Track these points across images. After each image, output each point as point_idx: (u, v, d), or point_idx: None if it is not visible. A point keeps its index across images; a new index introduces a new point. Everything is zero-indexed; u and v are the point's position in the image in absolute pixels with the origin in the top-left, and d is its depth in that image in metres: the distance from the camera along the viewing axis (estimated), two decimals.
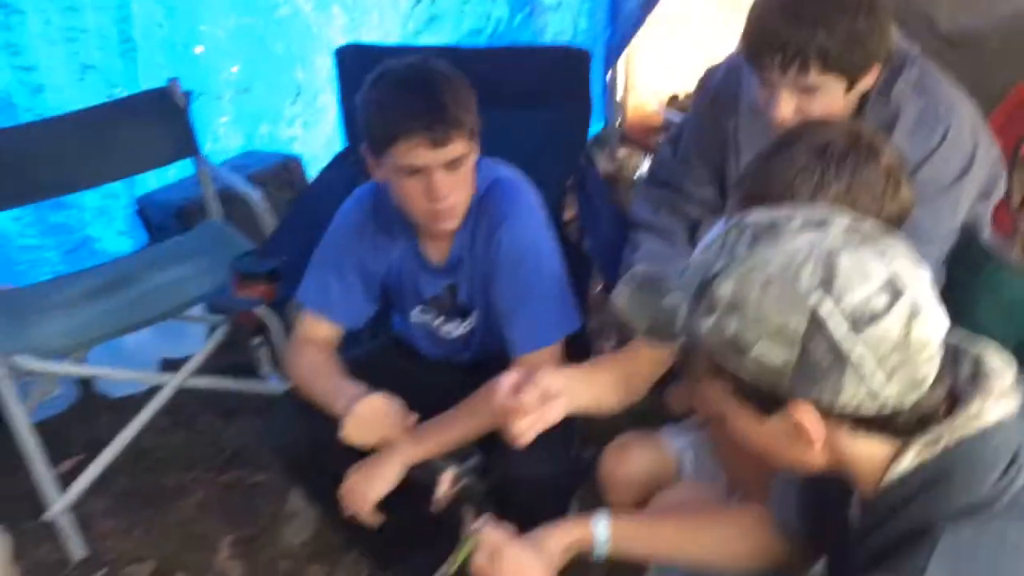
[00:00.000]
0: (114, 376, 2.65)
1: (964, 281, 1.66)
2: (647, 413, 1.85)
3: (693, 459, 1.75)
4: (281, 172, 3.26)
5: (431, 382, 1.96)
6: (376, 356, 2.02)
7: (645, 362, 1.67)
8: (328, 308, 1.86)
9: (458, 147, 1.61)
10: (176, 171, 3.17)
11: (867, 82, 1.62)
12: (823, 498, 1.13)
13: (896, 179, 1.30)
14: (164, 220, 3.13)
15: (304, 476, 1.89)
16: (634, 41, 3.74)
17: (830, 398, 0.87)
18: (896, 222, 1.31)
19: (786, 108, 1.59)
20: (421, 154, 1.59)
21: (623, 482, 1.72)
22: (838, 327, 0.84)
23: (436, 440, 1.72)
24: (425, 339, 1.97)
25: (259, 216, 2.46)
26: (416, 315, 1.92)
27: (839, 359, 0.85)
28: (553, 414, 1.45)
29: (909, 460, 0.90)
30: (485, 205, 1.74)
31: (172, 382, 2.38)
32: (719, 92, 1.90)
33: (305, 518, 2.39)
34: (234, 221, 2.77)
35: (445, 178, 1.62)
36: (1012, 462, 0.88)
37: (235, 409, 2.84)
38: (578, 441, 1.89)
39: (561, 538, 1.34)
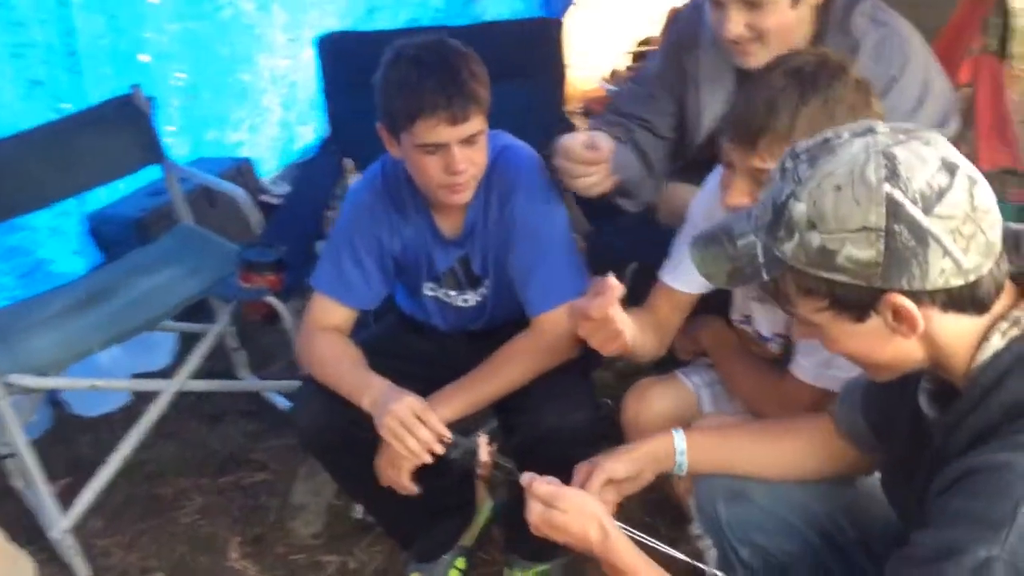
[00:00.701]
0: (114, 387, 2.64)
1: None
2: (656, 361, 1.91)
3: (710, 394, 1.83)
4: (235, 176, 3.24)
5: (443, 354, 2.00)
6: (386, 337, 2.04)
7: (669, 311, 1.76)
8: (343, 292, 1.87)
9: (476, 123, 1.65)
10: (124, 185, 3.13)
11: None
12: (888, 399, 1.21)
13: (866, 91, 1.43)
14: (120, 235, 3.08)
15: (332, 456, 1.89)
16: (569, 20, 3.82)
17: (920, 279, 0.93)
18: None
19: (736, 24, 1.71)
20: (441, 131, 1.62)
21: (648, 424, 1.77)
22: (913, 209, 0.92)
23: (465, 400, 1.75)
24: (437, 313, 2.00)
25: (245, 212, 2.44)
26: (428, 289, 1.95)
27: (921, 239, 0.92)
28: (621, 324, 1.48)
29: (997, 340, 0.97)
30: (495, 174, 1.79)
31: (170, 387, 2.35)
32: (682, 32, 2.00)
33: (314, 509, 2.39)
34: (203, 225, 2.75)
35: (463, 153, 1.66)
36: None
37: (220, 414, 2.81)
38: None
39: (645, 451, 1.41)
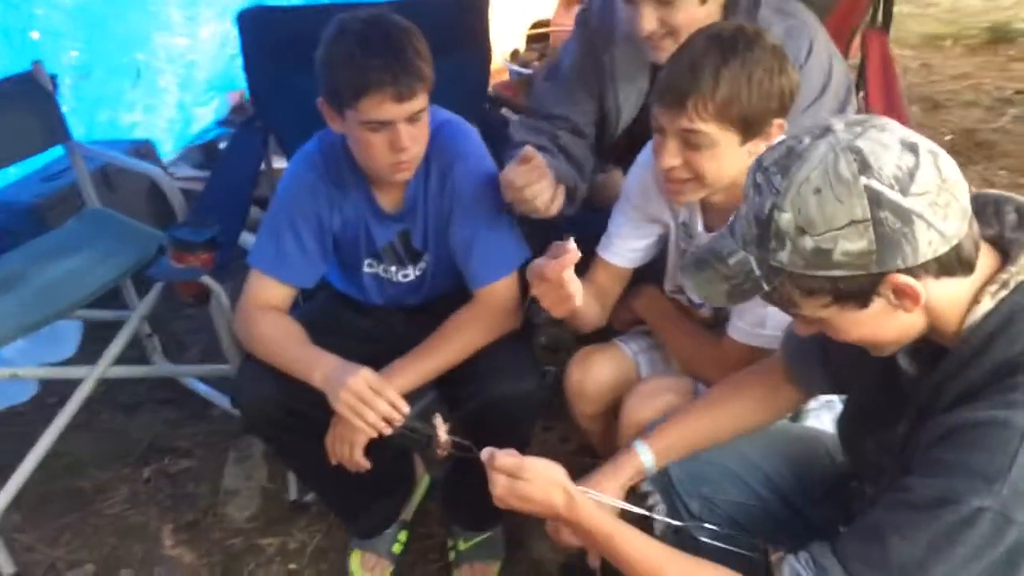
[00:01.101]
0: (38, 375, 2.62)
1: None
2: (594, 332, 1.98)
3: (648, 360, 1.91)
4: (136, 158, 3.13)
5: (381, 330, 2.02)
6: (322, 314, 2.02)
7: (608, 283, 1.84)
8: (283, 270, 1.86)
9: (420, 100, 1.67)
10: (16, 170, 2.99)
11: None
12: (850, 353, 1.28)
13: (781, 56, 1.54)
14: (13, 224, 2.93)
15: (278, 435, 1.88)
16: None
17: (912, 256, 1.00)
18: (789, 97, 1.55)
19: (649, 21, 1.79)
20: (388, 108, 1.63)
21: (592, 389, 1.85)
22: (892, 194, 0.98)
23: (416, 372, 1.77)
24: (375, 289, 2.00)
25: (167, 193, 2.36)
26: (368, 266, 1.95)
27: (906, 219, 0.98)
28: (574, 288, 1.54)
29: (987, 302, 1.05)
30: (435, 148, 1.80)
31: (92, 375, 2.29)
32: (595, 28, 2.06)
33: (247, 493, 2.37)
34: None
35: (408, 131, 1.67)
36: None
37: (136, 404, 2.75)
38: None
39: (617, 481, 1.47)
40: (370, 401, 1.66)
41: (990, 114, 4.44)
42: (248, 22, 2.24)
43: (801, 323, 1.14)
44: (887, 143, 1.01)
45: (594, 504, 1.33)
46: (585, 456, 2.20)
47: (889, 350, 1.14)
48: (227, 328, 2.36)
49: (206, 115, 3.78)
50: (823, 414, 1.76)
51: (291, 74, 2.19)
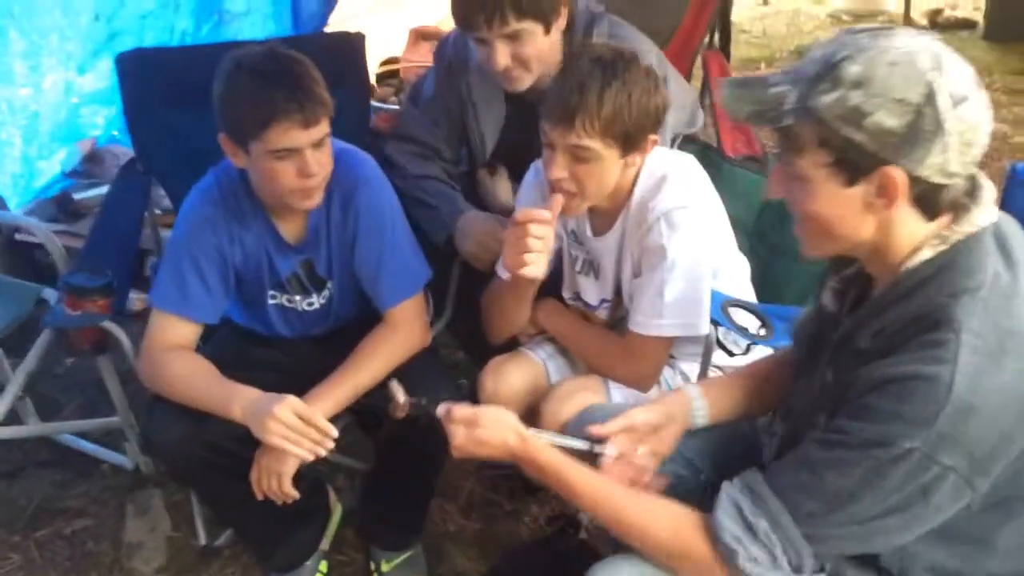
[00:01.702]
0: None
1: (711, 179, 2.06)
2: (499, 348, 2.07)
3: (555, 365, 2.02)
4: None
5: (290, 361, 2.03)
6: (225, 349, 2.01)
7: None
8: (187, 308, 1.85)
9: (324, 126, 1.73)
10: None
11: (561, 24, 2.03)
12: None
13: (655, 77, 1.74)
14: None
15: (197, 475, 1.87)
16: None
17: (917, 163, 1.10)
18: (662, 114, 1.75)
19: (503, 56, 1.98)
20: (294, 136, 1.68)
21: (506, 396, 1.93)
22: (944, 101, 1.09)
23: (338, 396, 1.81)
24: (280, 321, 2.02)
25: (45, 242, 2.28)
26: (272, 298, 1.97)
27: (938, 128, 1.09)
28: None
29: (927, 252, 1.17)
30: (335, 177, 1.85)
31: None
32: (451, 60, 2.23)
33: (152, 545, 2.30)
34: None
35: (314, 156, 1.72)
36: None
37: (15, 470, 2.60)
38: None
39: (664, 401, 1.56)
40: (300, 429, 1.68)
41: None
42: (128, 65, 2.22)
43: (778, 179, 1.23)
44: (964, 68, 1.13)
45: (544, 443, 1.44)
46: (496, 468, 2.29)
47: (829, 247, 1.24)
48: (116, 379, 2.31)
49: (51, 167, 3.64)
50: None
51: (174, 116, 2.20)
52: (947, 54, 1.13)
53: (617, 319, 1.96)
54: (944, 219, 1.18)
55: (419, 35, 4.44)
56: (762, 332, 1.85)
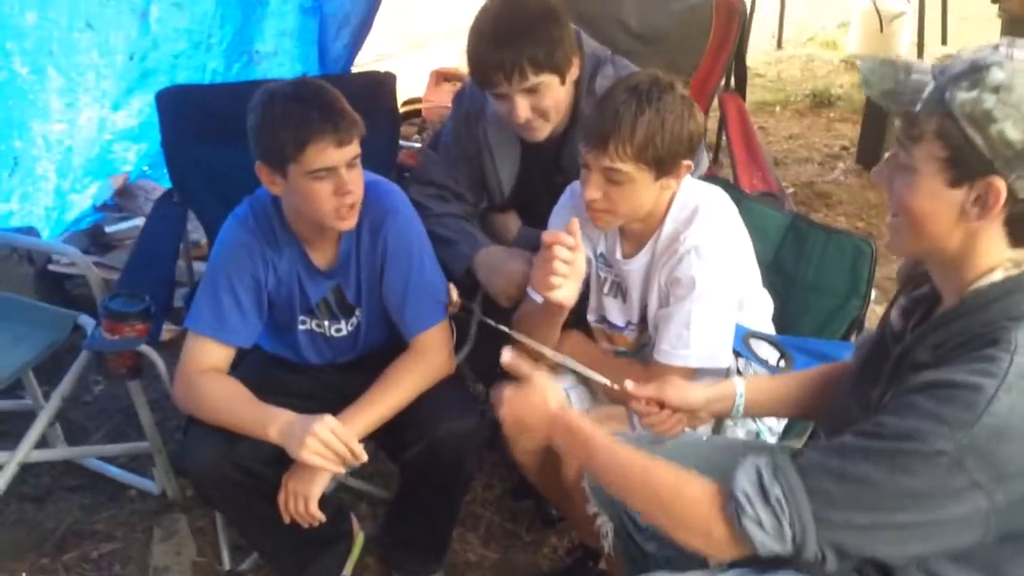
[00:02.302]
0: None
1: None
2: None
3: (576, 395, 2.06)
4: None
5: (318, 387, 2.09)
6: (255, 374, 2.05)
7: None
8: (222, 332, 1.92)
9: (356, 146, 1.81)
10: None
11: (574, 73, 2.11)
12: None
13: (689, 103, 1.81)
14: None
15: (231, 498, 1.91)
16: None
17: (1020, 184, 1.13)
18: (697, 139, 1.83)
19: (523, 110, 2.06)
20: (330, 154, 1.76)
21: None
22: None
23: (367, 420, 1.86)
24: (309, 347, 2.08)
25: (87, 276, 2.35)
26: (302, 322, 2.03)
27: None
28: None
29: (998, 274, 1.21)
30: (366, 205, 1.92)
31: (13, 459, 2.22)
32: (468, 108, 2.31)
33: (178, 569, 2.34)
34: None
35: (349, 175, 1.80)
36: None
37: (44, 494, 2.65)
38: None
39: (705, 392, 1.64)
40: (336, 448, 1.74)
41: (823, 168, 4.93)
42: (166, 101, 2.31)
43: (886, 166, 1.27)
44: None
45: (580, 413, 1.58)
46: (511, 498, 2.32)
47: (916, 246, 1.27)
48: (145, 404, 2.37)
49: (82, 201, 3.73)
50: (738, 430, 1.96)
51: (208, 148, 2.28)
52: None
53: (642, 343, 2.01)
54: None
55: (440, 76, 4.56)
56: (782, 364, 1.90)
